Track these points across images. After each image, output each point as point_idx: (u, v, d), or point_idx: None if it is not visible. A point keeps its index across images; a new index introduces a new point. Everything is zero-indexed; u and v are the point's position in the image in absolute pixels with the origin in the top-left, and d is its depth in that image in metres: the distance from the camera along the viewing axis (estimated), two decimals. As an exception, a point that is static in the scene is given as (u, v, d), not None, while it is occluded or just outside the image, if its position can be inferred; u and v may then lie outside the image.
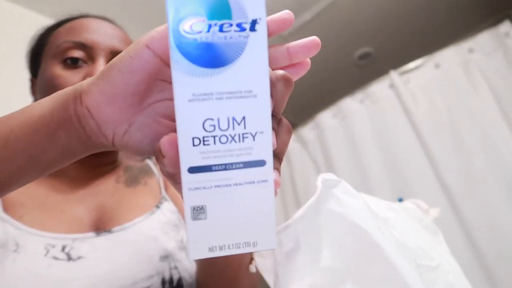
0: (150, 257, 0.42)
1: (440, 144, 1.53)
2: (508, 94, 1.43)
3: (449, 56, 1.60)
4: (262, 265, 0.36)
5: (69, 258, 0.40)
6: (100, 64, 0.50)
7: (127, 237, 0.44)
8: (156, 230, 0.45)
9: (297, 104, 2.90)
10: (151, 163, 0.61)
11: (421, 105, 1.62)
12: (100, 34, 0.52)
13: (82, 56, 0.50)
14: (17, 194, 0.45)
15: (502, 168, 1.37)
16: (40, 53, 0.54)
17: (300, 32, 2.09)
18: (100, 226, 0.46)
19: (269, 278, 0.35)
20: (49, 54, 0.52)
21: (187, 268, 0.44)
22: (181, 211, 0.54)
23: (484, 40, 1.54)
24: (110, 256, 0.41)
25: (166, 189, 0.56)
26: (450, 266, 0.46)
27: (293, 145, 2.19)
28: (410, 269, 0.29)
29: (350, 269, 0.30)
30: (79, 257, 0.40)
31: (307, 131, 2.12)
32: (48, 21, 0.57)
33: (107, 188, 0.52)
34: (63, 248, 0.40)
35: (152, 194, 0.53)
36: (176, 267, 0.43)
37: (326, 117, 1.99)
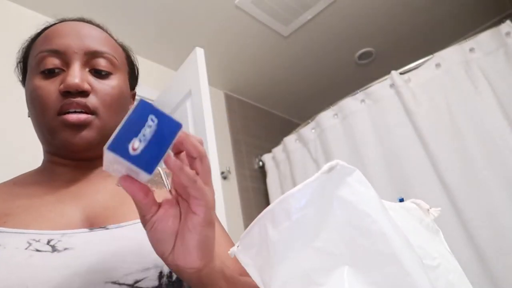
0: (149, 251, 0.41)
1: (441, 143, 1.53)
2: (509, 93, 1.43)
3: (450, 56, 1.60)
4: (245, 259, 0.36)
5: (54, 249, 0.40)
6: (74, 69, 0.49)
7: (124, 233, 0.44)
8: None
9: (297, 104, 2.91)
10: (163, 175, 0.60)
11: (422, 104, 1.62)
12: (72, 37, 0.52)
13: (57, 64, 0.50)
14: (2, 207, 0.45)
15: (502, 167, 1.37)
16: (26, 65, 0.56)
17: (301, 31, 2.09)
18: (95, 223, 0.46)
19: (250, 270, 0.35)
20: (30, 66, 0.53)
21: None
22: None
23: (485, 39, 1.54)
24: (102, 247, 0.41)
25: None
26: (451, 265, 0.46)
27: (294, 144, 2.19)
28: (417, 264, 0.30)
29: (350, 255, 0.30)
30: (65, 249, 0.40)
31: (308, 130, 2.12)
32: (49, 20, 0.57)
33: (106, 189, 0.52)
34: (49, 242, 0.40)
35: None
36: None
37: (327, 117, 1.99)
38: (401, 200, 0.56)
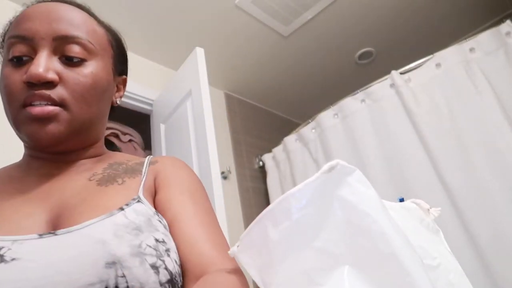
0: (93, 262, 0.37)
1: (441, 143, 1.53)
2: (509, 93, 1.43)
3: (450, 55, 1.60)
4: (245, 259, 0.36)
5: (2, 260, 0.36)
6: (39, 57, 0.45)
7: (72, 240, 0.39)
8: (107, 233, 0.40)
9: (297, 104, 2.91)
10: (146, 162, 0.56)
11: (422, 104, 1.62)
12: (40, 21, 0.47)
13: (24, 51, 0.46)
14: None
15: (503, 166, 1.37)
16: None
17: (301, 31, 2.09)
18: (57, 226, 0.42)
19: (250, 270, 0.35)
20: (3, 52, 0.50)
21: (138, 277, 0.39)
22: (167, 215, 0.48)
23: (485, 39, 1.54)
24: (47, 259, 0.37)
25: (152, 191, 0.52)
26: (451, 265, 0.46)
27: (294, 144, 2.19)
28: (417, 264, 0.30)
29: (350, 255, 0.30)
30: (13, 259, 0.36)
31: (308, 130, 2.12)
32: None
33: (76, 186, 0.48)
34: None
35: (125, 194, 0.48)
36: (123, 275, 0.38)
37: (327, 117, 1.99)
38: (401, 200, 0.56)
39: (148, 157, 0.59)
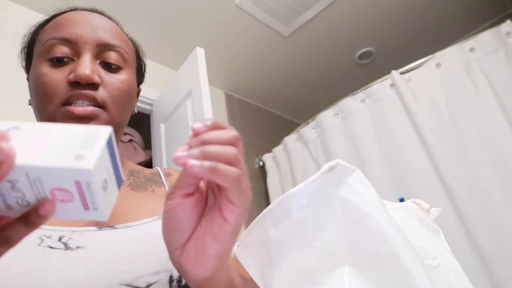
0: (158, 253, 0.40)
1: (441, 143, 1.53)
2: (509, 93, 1.43)
3: (450, 55, 1.60)
4: (245, 259, 0.36)
5: (67, 247, 0.38)
6: (85, 59, 0.48)
7: (132, 234, 0.43)
8: None
9: (297, 104, 2.91)
10: (162, 174, 0.60)
11: (422, 104, 1.62)
12: (84, 27, 0.50)
13: (67, 53, 0.49)
14: None
15: (503, 166, 1.36)
16: (31, 51, 0.54)
17: (302, 31, 2.09)
18: (101, 222, 0.44)
19: (250, 270, 0.35)
20: (37, 53, 0.51)
21: None
22: None
23: (485, 39, 1.54)
24: (113, 248, 0.40)
25: None
26: (451, 265, 0.46)
27: (295, 144, 2.19)
28: (417, 264, 0.30)
29: (350, 255, 0.30)
30: (78, 247, 0.39)
31: (308, 130, 2.12)
32: (42, 18, 0.56)
33: None
34: (60, 239, 0.39)
35: (160, 201, 0.51)
36: None
37: (327, 117, 1.99)
38: (402, 200, 0.56)
39: (158, 168, 0.63)
